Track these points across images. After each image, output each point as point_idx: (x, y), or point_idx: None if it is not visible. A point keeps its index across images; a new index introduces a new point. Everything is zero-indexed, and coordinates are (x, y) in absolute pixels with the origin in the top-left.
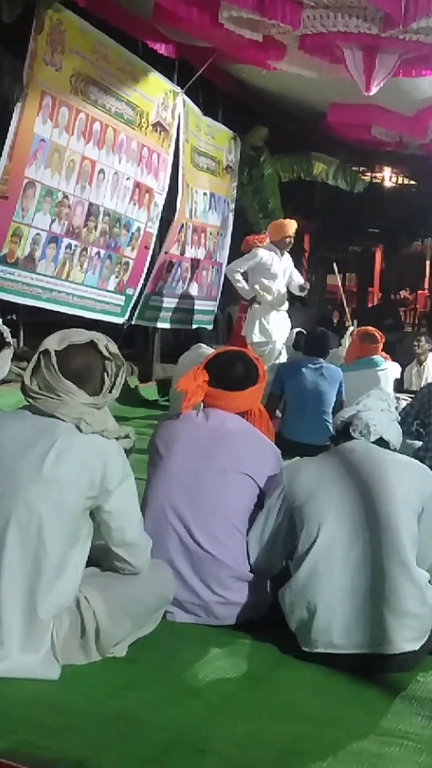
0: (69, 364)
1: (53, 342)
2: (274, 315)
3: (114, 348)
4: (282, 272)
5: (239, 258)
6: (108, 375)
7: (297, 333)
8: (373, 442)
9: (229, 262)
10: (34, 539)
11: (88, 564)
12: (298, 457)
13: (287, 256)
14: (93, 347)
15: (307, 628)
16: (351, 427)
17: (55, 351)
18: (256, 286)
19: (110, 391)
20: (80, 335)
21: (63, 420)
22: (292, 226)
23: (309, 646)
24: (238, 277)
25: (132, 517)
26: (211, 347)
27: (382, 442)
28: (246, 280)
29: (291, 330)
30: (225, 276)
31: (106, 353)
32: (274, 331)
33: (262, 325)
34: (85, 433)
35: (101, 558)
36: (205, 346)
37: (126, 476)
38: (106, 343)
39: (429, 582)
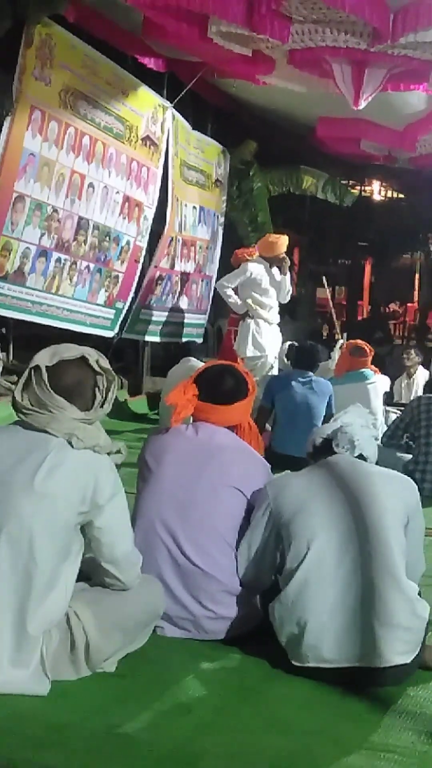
0: (60, 379)
1: (44, 358)
2: (266, 328)
3: (105, 363)
4: (272, 286)
5: (230, 273)
6: (99, 390)
7: (290, 346)
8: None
9: (218, 276)
10: (25, 554)
11: (78, 579)
12: (287, 471)
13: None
14: (84, 362)
15: (298, 642)
16: (334, 441)
17: (46, 367)
18: (249, 300)
19: (102, 406)
20: (71, 350)
21: (55, 435)
22: (283, 242)
23: (299, 660)
24: (230, 292)
25: (122, 533)
26: (201, 361)
27: (360, 458)
28: (236, 294)
29: (283, 343)
30: (215, 289)
31: (97, 368)
32: (267, 345)
33: (255, 339)
34: (77, 449)
35: (91, 573)
36: (194, 359)
37: (117, 491)
38: (97, 358)
39: (418, 594)
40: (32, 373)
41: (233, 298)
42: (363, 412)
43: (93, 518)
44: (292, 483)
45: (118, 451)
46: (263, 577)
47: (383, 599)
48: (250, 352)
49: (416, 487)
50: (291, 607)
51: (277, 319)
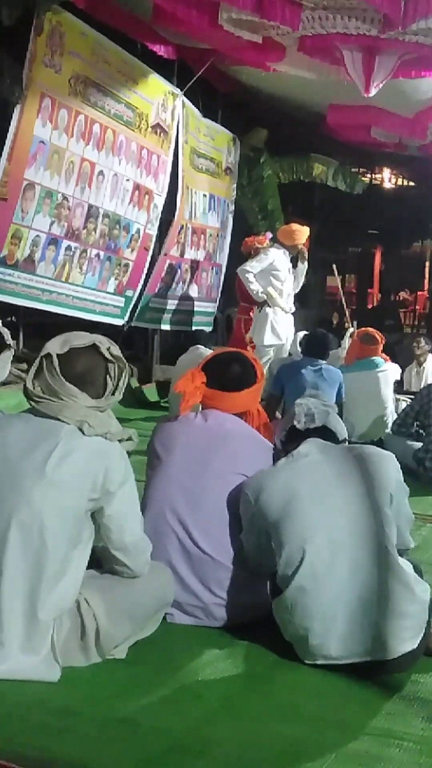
0: (71, 367)
1: (55, 345)
2: (282, 317)
3: (116, 350)
4: (290, 274)
5: (251, 259)
6: (111, 378)
7: (304, 335)
8: (321, 435)
9: (228, 264)
10: (36, 540)
11: (89, 566)
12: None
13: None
14: (95, 350)
15: (304, 642)
16: (294, 420)
17: (57, 354)
18: (270, 289)
19: (113, 394)
20: (82, 338)
21: (66, 422)
22: (304, 233)
23: (308, 658)
24: (252, 278)
25: (132, 520)
26: (210, 349)
27: (329, 435)
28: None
29: (296, 332)
30: (224, 277)
31: (108, 356)
32: (284, 333)
33: (273, 327)
34: (88, 435)
35: (102, 560)
36: (203, 347)
37: (127, 478)
38: (108, 346)
39: (416, 570)
40: (43, 361)
41: (255, 284)
42: (317, 393)
43: (103, 505)
44: (270, 484)
45: (129, 438)
46: (266, 569)
47: (383, 592)
48: (268, 340)
49: (396, 460)
50: (291, 610)
51: (292, 307)
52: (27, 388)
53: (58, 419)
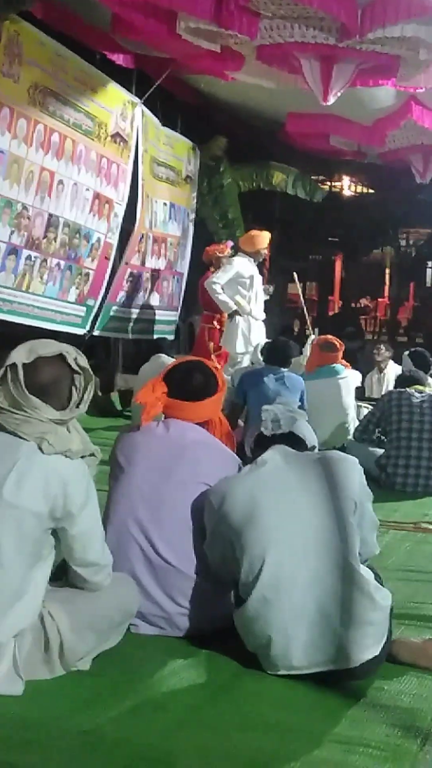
0: (36, 377)
1: (21, 355)
2: (254, 324)
3: (84, 361)
4: (257, 280)
5: (219, 270)
6: (76, 389)
7: (265, 344)
8: (289, 442)
9: (189, 272)
10: None
11: (52, 575)
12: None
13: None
14: (62, 360)
15: (266, 653)
16: (261, 427)
17: (23, 364)
18: (237, 297)
19: (78, 406)
20: (49, 347)
21: (25, 439)
22: (265, 238)
23: (271, 669)
24: (219, 290)
25: (95, 538)
26: (172, 357)
27: (298, 442)
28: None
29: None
30: (186, 286)
31: (75, 366)
32: (255, 340)
33: (244, 335)
34: (47, 454)
35: (64, 571)
36: (165, 356)
37: (89, 499)
38: (75, 356)
39: (376, 578)
40: (8, 370)
41: (223, 296)
42: (286, 402)
43: (65, 526)
44: (235, 491)
45: (92, 455)
46: (229, 577)
47: (345, 602)
48: (240, 348)
49: (360, 466)
50: (253, 620)
51: (262, 315)
52: None
53: (17, 435)
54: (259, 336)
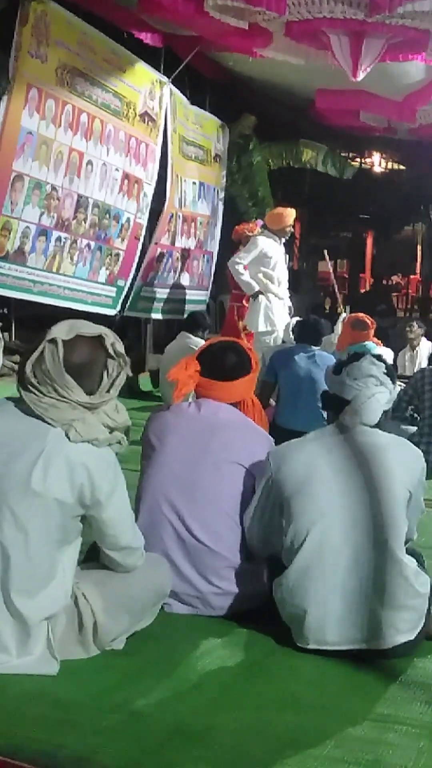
0: (73, 355)
1: (61, 331)
2: (277, 303)
3: (120, 347)
4: (282, 259)
5: (241, 250)
6: (108, 374)
7: (296, 322)
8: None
9: (219, 252)
10: (21, 553)
11: (86, 557)
12: (287, 442)
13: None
14: (99, 342)
15: (300, 624)
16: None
17: (63, 341)
18: (260, 276)
19: (108, 391)
20: (90, 327)
21: (52, 425)
22: (291, 215)
23: (301, 642)
24: (242, 270)
25: (125, 523)
26: (198, 336)
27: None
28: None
29: (291, 318)
30: (215, 265)
31: (111, 351)
32: (278, 320)
33: (267, 314)
34: (74, 442)
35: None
36: (191, 335)
37: (116, 485)
38: (113, 341)
39: (419, 563)
40: (47, 345)
41: (245, 276)
42: (378, 369)
43: (94, 513)
44: (294, 457)
45: (118, 442)
46: (272, 540)
47: (385, 583)
48: (263, 327)
49: (423, 458)
50: (292, 590)
51: (287, 293)
52: (24, 373)
53: (44, 420)
54: (282, 316)
